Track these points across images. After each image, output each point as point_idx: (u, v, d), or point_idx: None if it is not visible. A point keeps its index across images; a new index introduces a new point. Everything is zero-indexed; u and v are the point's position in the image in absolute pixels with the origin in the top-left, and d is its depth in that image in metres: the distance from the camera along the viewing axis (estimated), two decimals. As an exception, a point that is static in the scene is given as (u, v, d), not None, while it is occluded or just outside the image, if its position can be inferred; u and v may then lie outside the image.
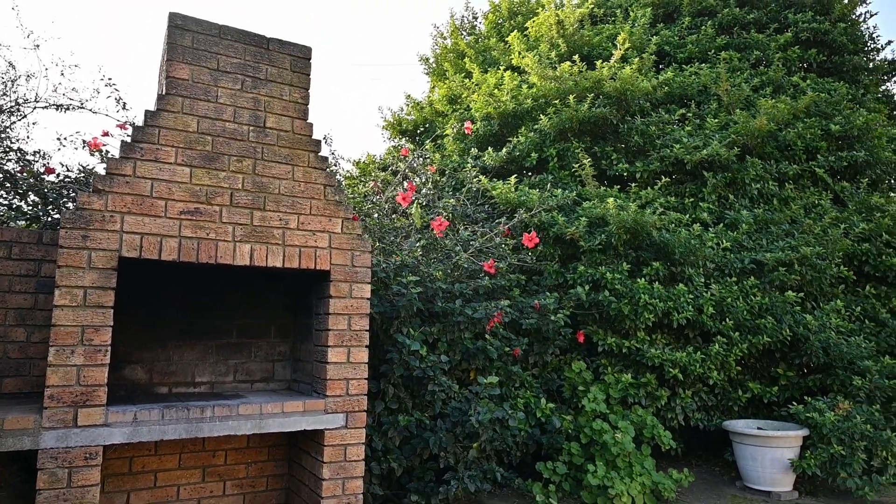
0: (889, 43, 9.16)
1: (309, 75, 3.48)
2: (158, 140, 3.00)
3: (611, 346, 5.29)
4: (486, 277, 4.98)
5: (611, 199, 5.60)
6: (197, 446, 3.48)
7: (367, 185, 6.10)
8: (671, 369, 5.17)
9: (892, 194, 7.58)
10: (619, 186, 6.38)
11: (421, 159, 6.68)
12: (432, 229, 4.80)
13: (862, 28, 8.85)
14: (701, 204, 6.20)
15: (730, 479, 5.41)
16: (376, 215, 5.43)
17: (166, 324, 3.49)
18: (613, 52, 7.16)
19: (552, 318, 5.04)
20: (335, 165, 6.38)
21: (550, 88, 6.88)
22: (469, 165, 6.64)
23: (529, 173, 6.81)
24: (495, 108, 7.27)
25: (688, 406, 5.42)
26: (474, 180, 6.24)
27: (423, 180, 6.23)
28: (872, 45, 9.01)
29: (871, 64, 8.76)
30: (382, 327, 4.35)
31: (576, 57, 7.08)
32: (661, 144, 6.58)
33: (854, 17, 8.78)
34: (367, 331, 3.43)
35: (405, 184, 5.81)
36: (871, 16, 8.94)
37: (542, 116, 6.72)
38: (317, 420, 3.23)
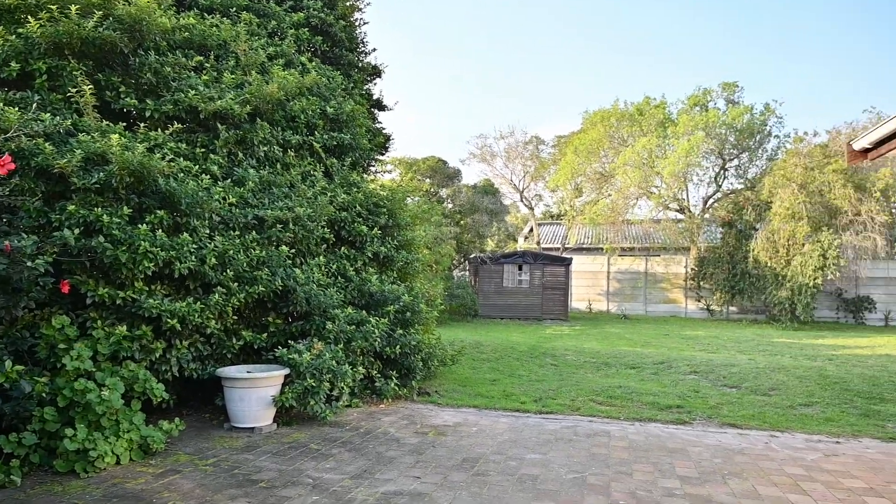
0: (374, 50, 11.13)
1: None
2: None
3: (103, 297, 4.81)
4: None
5: (115, 136, 5.04)
6: None
7: None
8: (169, 320, 5.05)
9: (365, 175, 9.28)
10: (125, 124, 5.78)
11: None
12: None
13: (358, 32, 10.45)
14: (212, 156, 6.22)
15: (219, 423, 5.69)
16: None
17: None
18: (130, -28, 6.39)
19: (29, 264, 4.22)
20: None
21: (43, -11, 5.66)
22: None
23: (7, 88, 5.46)
24: (-45, -12, 5.53)
25: (183, 357, 5.42)
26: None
27: None
28: (363, 49, 10.75)
29: (360, 63, 10.44)
30: None
31: (82, -37, 6.01)
32: (176, 88, 6.27)
33: (353, 20, 10.28)
34: None
35: None
36: (365, 24, 10.65)
37: (31, 19, 5.47)
38: None
